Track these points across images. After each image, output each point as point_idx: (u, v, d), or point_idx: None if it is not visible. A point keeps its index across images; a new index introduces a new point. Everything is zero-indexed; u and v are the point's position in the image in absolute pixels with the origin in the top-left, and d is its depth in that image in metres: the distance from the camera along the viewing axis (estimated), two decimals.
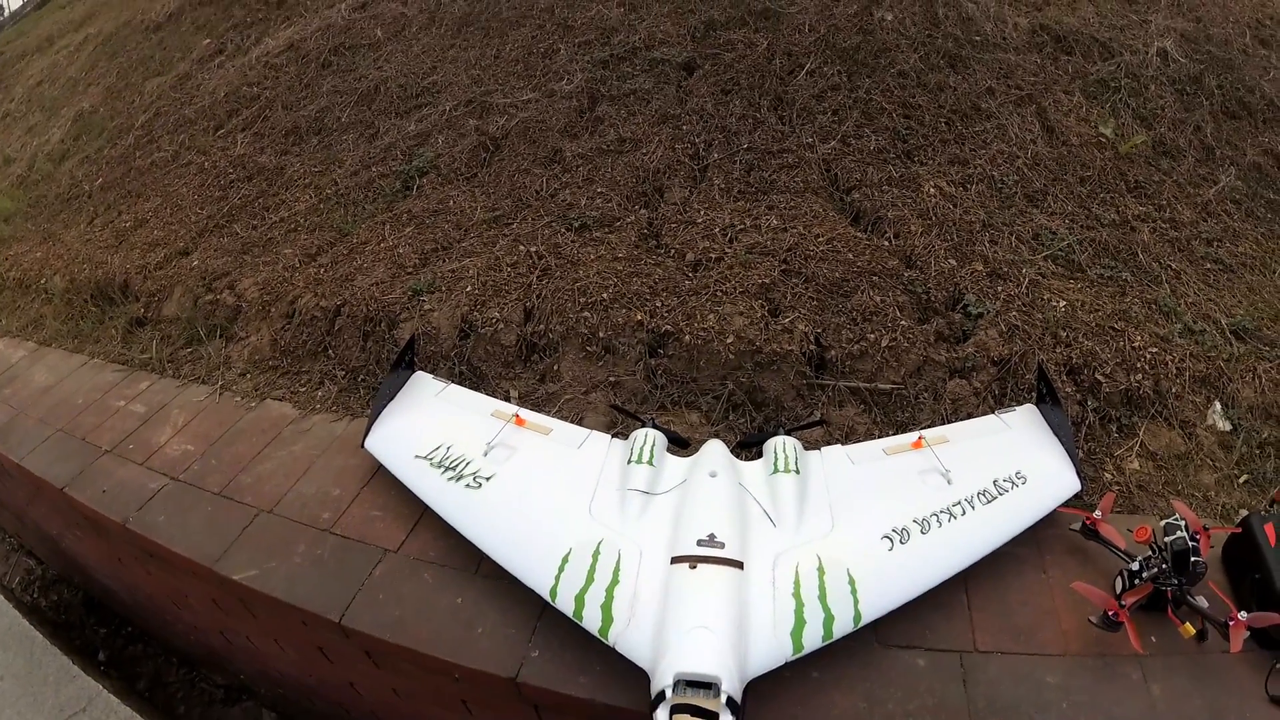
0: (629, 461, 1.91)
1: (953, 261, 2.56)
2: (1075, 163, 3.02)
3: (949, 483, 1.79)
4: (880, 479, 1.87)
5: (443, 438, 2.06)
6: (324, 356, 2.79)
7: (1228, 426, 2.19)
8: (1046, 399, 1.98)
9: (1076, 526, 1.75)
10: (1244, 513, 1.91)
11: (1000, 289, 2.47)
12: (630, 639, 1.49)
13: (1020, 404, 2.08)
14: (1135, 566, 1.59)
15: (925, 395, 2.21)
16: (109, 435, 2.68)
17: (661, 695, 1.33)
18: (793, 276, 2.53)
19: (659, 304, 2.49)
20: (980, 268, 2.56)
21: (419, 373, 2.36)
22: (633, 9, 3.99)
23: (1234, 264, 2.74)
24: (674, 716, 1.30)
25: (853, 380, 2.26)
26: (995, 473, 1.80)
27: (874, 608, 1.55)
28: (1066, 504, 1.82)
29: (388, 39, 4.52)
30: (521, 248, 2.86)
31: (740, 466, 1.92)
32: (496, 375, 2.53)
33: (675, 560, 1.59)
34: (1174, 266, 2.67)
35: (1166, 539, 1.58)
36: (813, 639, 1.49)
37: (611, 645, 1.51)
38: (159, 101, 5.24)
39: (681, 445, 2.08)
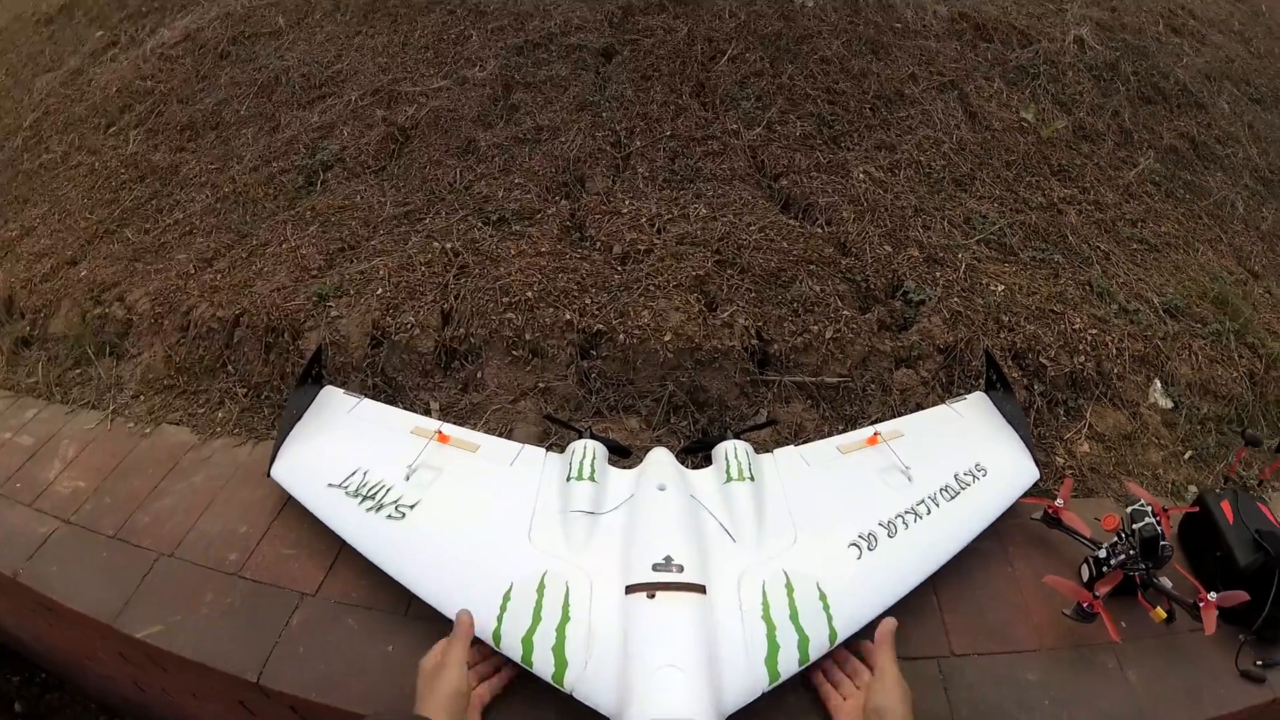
0: (568, 479, 1.75)
1: (888, 248, 2.52)
2: (1000, 147, 3.05)
3: (909, 480, 1.72)
4: (839, 481, 1.78)
5: (358, 462, 1.86)
6: (223, 373, 2.55)
7: (1169, 404, 2.24)
8: (996, 385, 1.94)
9: (1038, 515, 1.73)
10: (1193, 489, 1.99)
11: (939, 274, 2.44)
12: (589, 684, 1.35)
13: (970, 391, 2.04)
14: (1102, 554, 1.57)
15: (873, 387, 2.16)
16: None
17: None
18: (728, 267, 2.44)
19: (588, 301, 2.35)
20: (916, 253, 2.53)
21: (328, 387, 2.15)
22: None
23: (1158, 244, 2.83)
24: None
25: (798, 375, 2.18)
26: (955, 466, 1.74)
27: (849, 622, 1.45)
28: (1026, 493, 1.78)
29: (290, 26, 4.30)
30: (436, 244, 2.69)
31: (690, 476, 1.80)
32: (415, 386, 2.34)
33: (631, 589, 1.45)
34: (1102, 247, 2.72)
35: (1136, 525, 1.57)
36: (789, 664, 1.37)
37: (569, 693, 1.35)
38: (48, 99, 4.85)
39: (623, 455, 1.94)
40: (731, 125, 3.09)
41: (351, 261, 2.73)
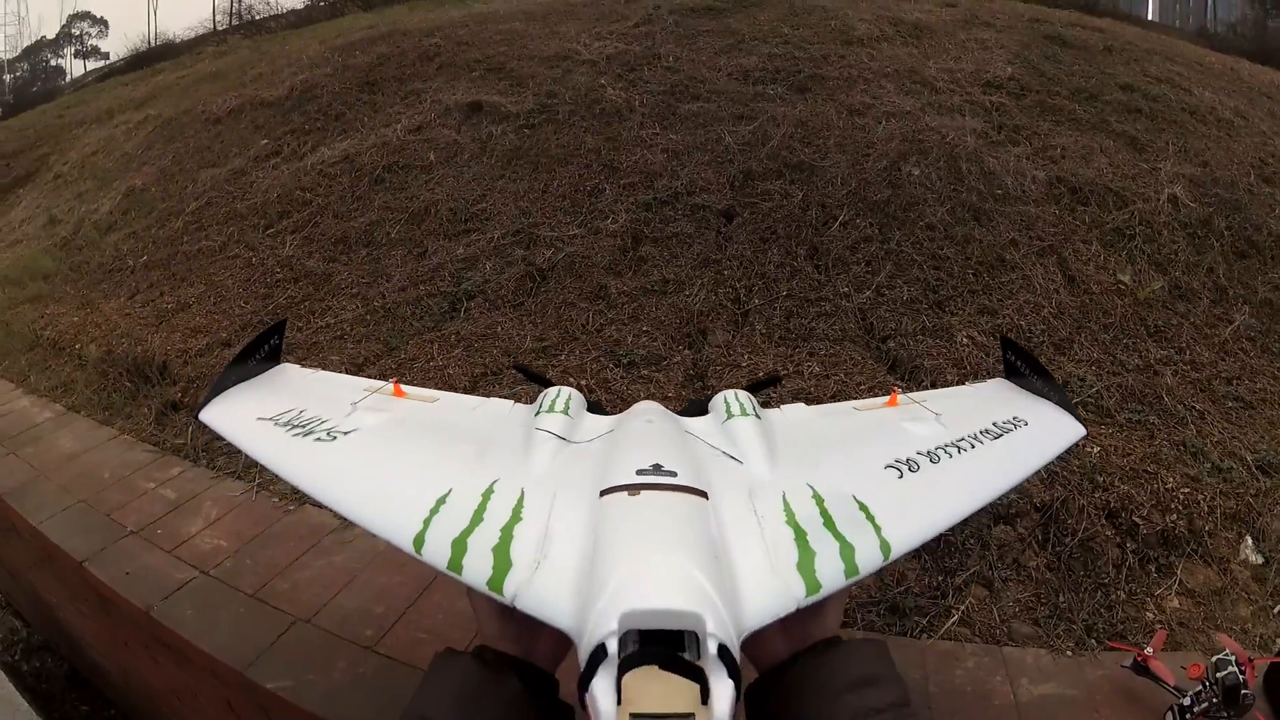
0: (536, 414, 1.42)
1: None
2: (1097, 310, 3.16)
3: (943, 425, 1.44)
4: (860, 427, 1.49)
5: (296, 403, 1.53)
6: None
7: (1260, 560, 2.28)
8: (1021, 370, 1.65)
9: (1128, 663, 1.80)
10: None
11: None
12: (540, 586, 0.96)
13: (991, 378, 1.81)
14: (1186, 701, 1.65)
15: (971, 541, 2.27)
16: (135, 516, 2.61)
17: (600, 655, 0.79)
18: None
19: None
20: None
21: (285, 365, 1.80)
22: (675, 156, 4.23)
23: (1254, 400, 2.87)
24: (627, 681, 0.77)
25: None
26: (992, 417, 1.47)
27: (903, 536, 1.10)
28: (1116, 641, 1.90)
29: (440, 163, 4.73)
30: (571, 380, 2.92)
31: (684, 420, 1.47)
32: None
33: (607, 491, 1.07)
34: (1197, 407, 2.77)
35: (1219, 674, 1.64)
36: (831, 574, 1.00)
37: (509, 601, 0.95)
38: (211, 191, 5.43)
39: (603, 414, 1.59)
40: (843, 288, 3.28)
41: (494, 386, 3.00)
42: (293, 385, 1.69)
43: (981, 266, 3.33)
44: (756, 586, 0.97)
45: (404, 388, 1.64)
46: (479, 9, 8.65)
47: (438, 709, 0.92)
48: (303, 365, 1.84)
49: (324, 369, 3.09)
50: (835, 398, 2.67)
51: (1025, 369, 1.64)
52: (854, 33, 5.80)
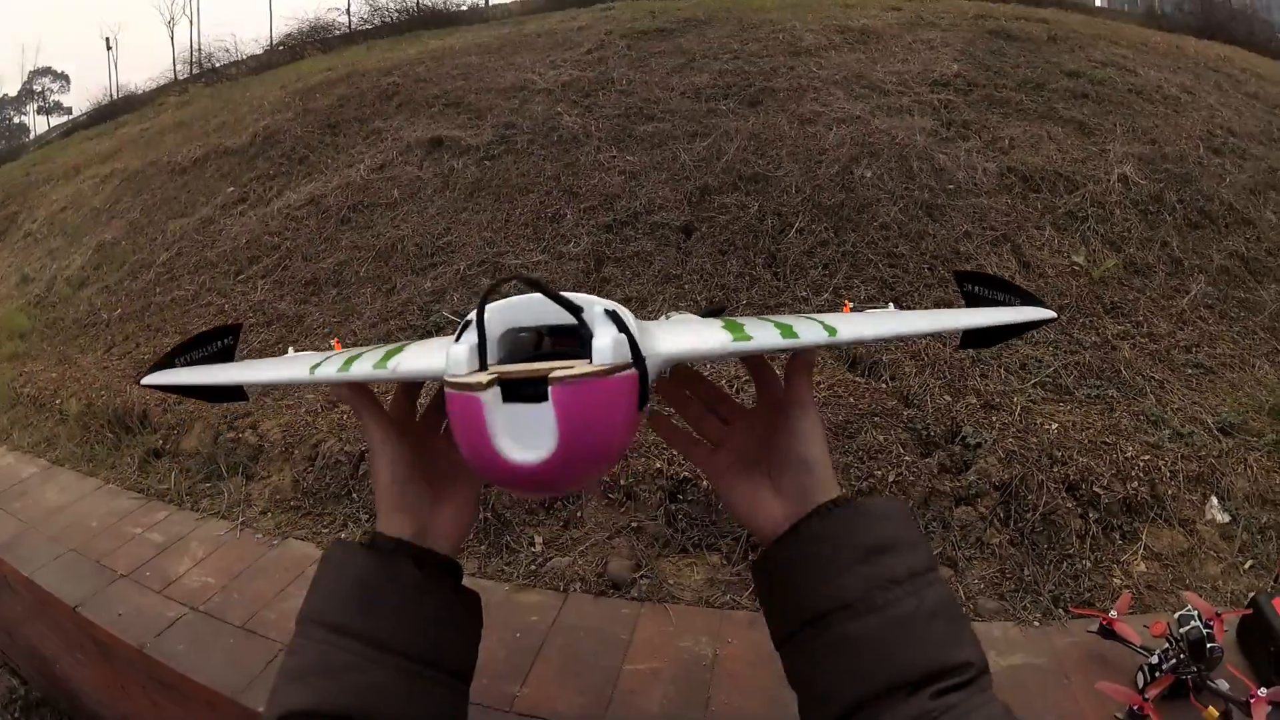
0: None
1: (948, 397, 2.71)
2: (1053, 293, 3.22)
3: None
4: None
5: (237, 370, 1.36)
6: (347, 500, 2.80)
7: (1226, 518, 2.32)
8: (984, 294, 1.32)
9: (1094, 628, 1.83)
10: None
11: (995, 419, 2.60)
12: (423, 354, 0.87)
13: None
14: (1155, 660, 1.68)
15: (934, 524, 2.31)
16: (125, 560, 2.65)
17: (464, 326, 0.71)
18: None
19: (676, 452, 2.52)
20: (974, 400, 2.70)
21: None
22: (633, 177, 4.29)
23: (1214, 365, 2.93)
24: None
25: None
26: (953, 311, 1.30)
27: (847, 327, 0.93)
28: (1081, 607, 1.94)
29: (404, 199, 4.80)
30: None
31: None
32: (521, 522, 2.56)
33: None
34: (1156, 377, 2.84)
35: (1181, 630, 1.68)
36: (765, 335, 0.86)
37: (390, 372, 0.85)
38: (181, 241, 5.47)
39: None
40: (801, 292, 3.33)
41: None
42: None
43: (936, 260, 3.40)
44: (677, 333, 0.86)
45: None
46: (436, 45, 8.73)
47: (333, 610, 0.85)
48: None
49: (299, 409, 3.11)
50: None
51: (987, 292, 1.37)
52: (802, 43, 5.90)
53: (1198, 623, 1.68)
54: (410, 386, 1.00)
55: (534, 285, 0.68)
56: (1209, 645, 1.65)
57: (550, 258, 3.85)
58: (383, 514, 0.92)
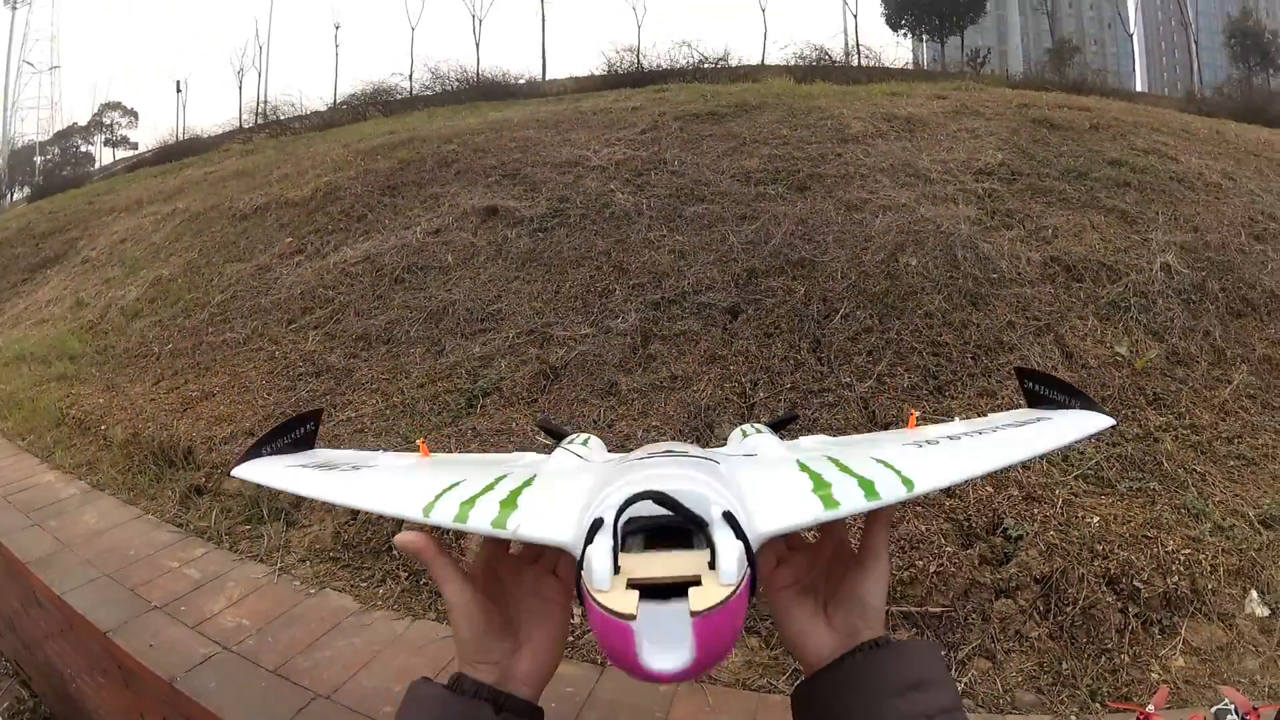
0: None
1: (990, 488, 2.71)
2: (1095, 383, 3.23)
3: (963, 426, 1.34)
4: (879, 436, 1.46)
5: (326, 458, 1.46)
6: (387, 555, 2.81)
7: (1266, 612, 2.30)
8: (1044, 394, 1.41)
9: None
10: None
11: (1036, 511, 2.60)
12: (542, 513, 0.91)
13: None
14: None
15: (974, 616, 2.31)
16: (159, 593, 2.67)
17: (596, 526, 0.75)
18: None
19: None
20: (1016, 493, 2.70)
21: (319, 450, 1.65)
22: (682, 256, 4.40)
23: (1255, 457, 2.91)
24: (629, 559, 0.73)
25: (904, 605, 2.36)
26: (1014, 418, 1.31)
27: (925, 476, 0.99)
28: (1118, 701, 1.93)
29: (458, 264, 4.94)
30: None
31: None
32: None
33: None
34: (1198, 469, 2.82)
35: None
36: (850, 497, 0.92)
37: (512, 533, 0.89)
38: (236, 285, 5.67)
39: None
40: (845, 378, 3.35)
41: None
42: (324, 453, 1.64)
43: (980, 350, 3.42)
44: (772, 500, 0.91)
45: (431, 452, 1.56)
46: (494, 117, 9.03)
47: None
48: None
49: None
50: None
51: (1046, 391, 1.43)
52: (849, 131, 6.05)
53: (1234, 717, 1.65)
54: (499, 541, 1.02)
55: (665, 503, 0.74)
56: None
57: (598, 331, 3.94)
58: (463, 664, 0.95)
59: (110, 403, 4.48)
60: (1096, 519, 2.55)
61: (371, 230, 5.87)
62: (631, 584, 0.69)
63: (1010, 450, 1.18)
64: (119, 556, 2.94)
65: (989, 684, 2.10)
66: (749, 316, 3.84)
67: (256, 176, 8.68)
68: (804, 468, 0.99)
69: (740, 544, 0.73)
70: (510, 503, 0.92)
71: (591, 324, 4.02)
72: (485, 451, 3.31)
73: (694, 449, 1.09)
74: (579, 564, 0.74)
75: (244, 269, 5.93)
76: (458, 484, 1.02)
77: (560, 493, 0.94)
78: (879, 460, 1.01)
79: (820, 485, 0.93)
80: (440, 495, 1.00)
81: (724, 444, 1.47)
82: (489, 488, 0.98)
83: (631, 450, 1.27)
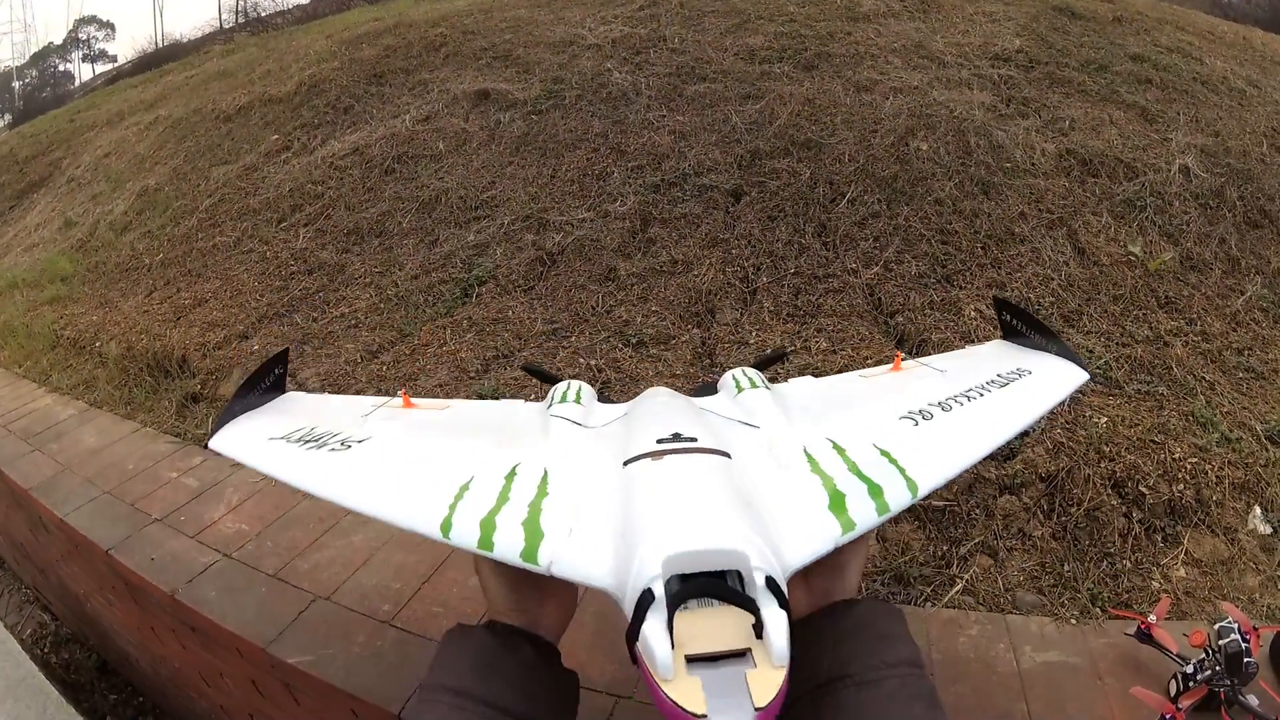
0: (549, 407, 1.43)
1: None
2: (1107, 282, 3.15)
3: (949, 381, 1.46)
4: (870, 389, 1.51)
5: (307, 422, 1.52)
6: None
7: (1268, 530, 2.27)
8: (1018, 328, 1.66)
9: (1131, 631, 1.80)
10: None
11: None
12: (576, 551, 0.97)
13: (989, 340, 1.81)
14: (1189, 669, 1.65)
15: (977, 511, 2.28)
16: (159, 505, 2.68)
17: (646, 601, 0.80)
18: None
19: None
20: None
21: (291, 393, 1.76)
22: (682, 137, 4.25)
23: (1265, 371, 2.86)
24: (677, 623, 0.78)
25: None
26: (996, 370, 1.48)
27: (927, 475, 1.12)
28: (1120, 609, 1.91)
29: (449, 152, 4.80)
30: (581, 360, 3.01)
31: (696, 399, 1.47)
32: None
33: (630, 461, 1.09)
34: (1208, 378, 2.77)
35: (1220, 642, 1.64)
36: (864, 514, 1.02)
37: (546, 569, 0.96)
38: (224, 189, 5.56)
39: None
40: (850, 264, 3.30)
41: (505, 368, 3.06)
42: (300, 408, 1.68)
43: (990, 240, 3.34)
44: (793, 528, 0.98)
45: (413, 399, 1.65)
46: None
47: (456, 678, 0.97)
48: (308, 391, 1.90)
49: (339, 358, 3.15)
50: (843, 371, 2.63)
51: (1021, 326, 1.65)
52: (860, 9, 5.75)
53: (1236, 636, 1.64)
54: None
55: (716, 594, 0.80)
56: (1245, 660, 1.61)
57: (596, 215, 3.84)
58: (493, 614, 1.10)
59: (104, 319, 4.41)
60: (1104, 419, 2.50)
61: (359, 122, 5.72)
62: (689, 659, 0.77)
63: (1000, 429, 1.28)
64: (118, 472, 2.95)
65: (990, 581, 2.09)
66: (752, 199, 3.75)
67: (238, 76, 8.39)
68: (814, 466, 1.11)
69: (785, 614, 0.78)
70: (533, 523, 1.01)
71: (589, 208, 3.92)
72: (481, 341, 3.26)
73: (698, 424, 1.19)
74: (631, 630, 0.79)
75: (230, 171, 5.79)
76: (467, 485, 1.12)
77: (586, 512, 1.02)
78: (881, 451, 1.14)
79: (835, 499, 1.03)
80: (454, 506, 1.08)
81: (715, 393, 1.50)
82: (504, 496, 1.08)
83: (622, 402, 1.46)
